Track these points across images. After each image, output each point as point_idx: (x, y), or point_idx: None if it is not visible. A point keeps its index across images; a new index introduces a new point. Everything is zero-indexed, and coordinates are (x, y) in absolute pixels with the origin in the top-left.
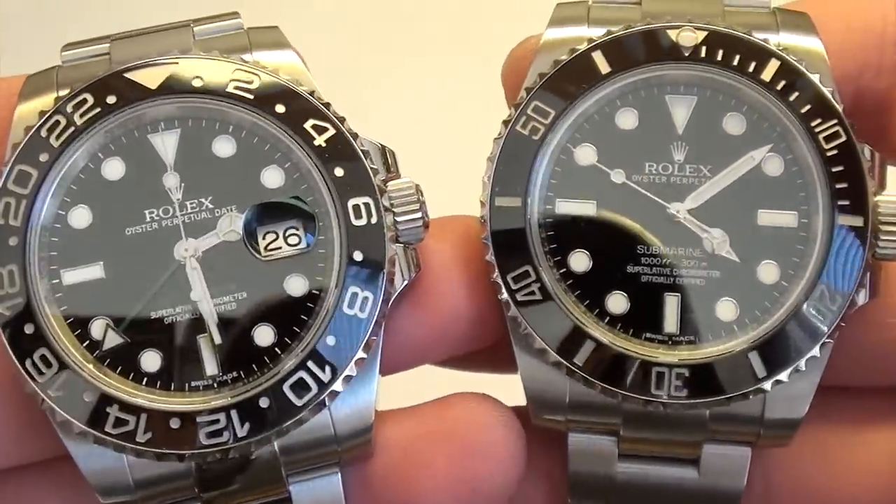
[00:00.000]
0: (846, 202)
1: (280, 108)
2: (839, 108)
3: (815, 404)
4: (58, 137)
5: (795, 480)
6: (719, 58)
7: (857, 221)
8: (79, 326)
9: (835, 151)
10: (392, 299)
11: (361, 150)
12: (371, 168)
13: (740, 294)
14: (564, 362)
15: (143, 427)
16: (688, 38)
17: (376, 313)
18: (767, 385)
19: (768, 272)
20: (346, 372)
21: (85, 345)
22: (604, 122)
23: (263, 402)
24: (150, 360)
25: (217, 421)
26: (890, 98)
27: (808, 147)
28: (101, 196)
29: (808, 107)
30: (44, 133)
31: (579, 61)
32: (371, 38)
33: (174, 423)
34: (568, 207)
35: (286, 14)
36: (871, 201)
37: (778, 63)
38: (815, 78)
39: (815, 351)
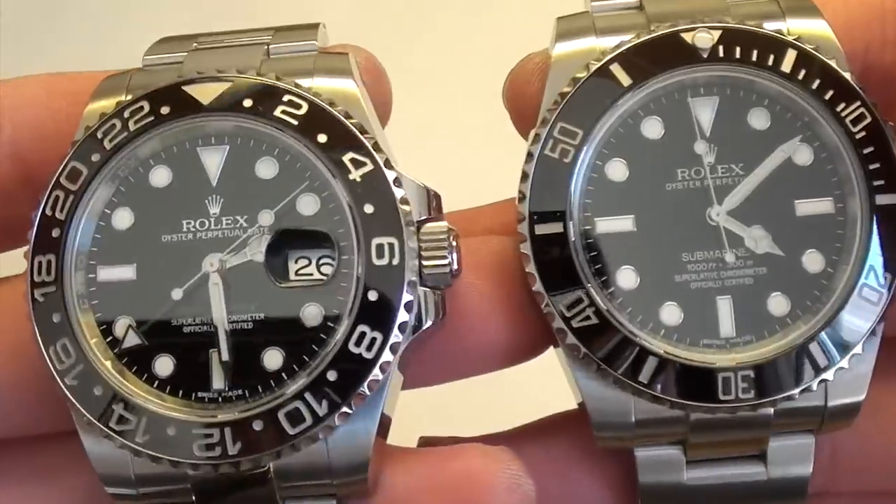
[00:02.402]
0: (881, 181)
1: (322, 138)
2: (859, 89)
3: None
4: (111, 140)
5: (857, 441)
6: (737, 55)
7: (895, 199)
8: (104, 322)
9: (863, 133)
10: (406, 344)
11: (398, 190)
12: (403, 209)
13: (789, 287)
14: (630, 382)
15: (143, 429)
16: (704, 39)
17: (382, 355)
18: (830, 374)
19: (813, 261)
20: (344, 409)
21: (108, 341)
22: (630, 134)
23: (257, 425)
24: (164, 365)
25: (211, 435)
26: None
27: (836, 132)
28: (145, 201)
29: (830, 92)
30: (99, 135)
31: (599, 76)
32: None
33: (171, 430)
34: (607, 225)
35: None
36: None
37: (795, 53)
38: (833, 63)
39: (871, 331)
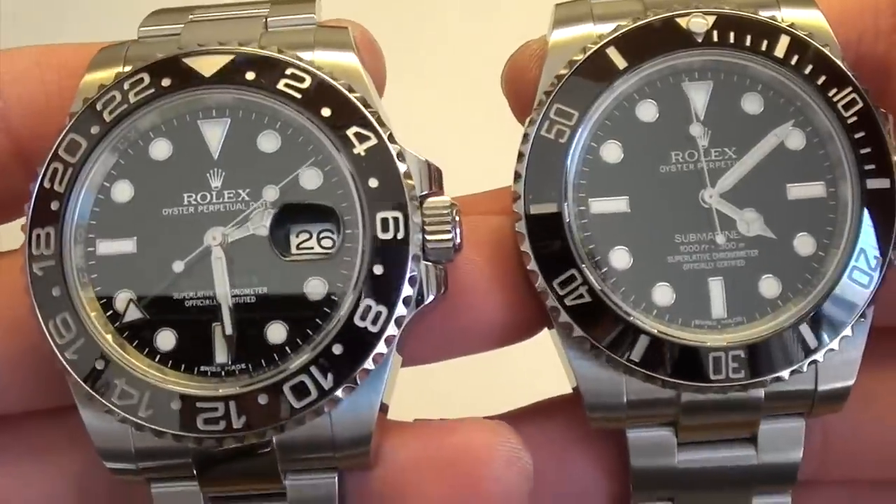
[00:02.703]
0: (872, 166)
1: (326, 112)
2: (852, 75)
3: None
4: (111, 113)
5: (848, 427)
6: (731, 40)
7: (885, 183)
8: (105, 296)
9: (855, 118)
10: (410, 318)
11: (401, 165)
12: (407, 183)
13: (781, 270)
14: (622, 361)
15: (146, 403)
16: (698, 23)
17: (388, 329)
18: (820, 356)
19: (804, 244)
20: (348, 382)
21: (108, 315)
22: (625, 116)
23: (262, 399)
24: (166, 339)
25: (216, 409)
26: (888, 61)
27: (828, 117)
28: (145, 174)
29: (823, 77)
30: (99, 107)
31: (595, 59)
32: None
33: (175, 405)
34: (602, 206)
35: None
36: (894, 161)
37: (788, 38)
38: (826, 50)
39: (861, 314)
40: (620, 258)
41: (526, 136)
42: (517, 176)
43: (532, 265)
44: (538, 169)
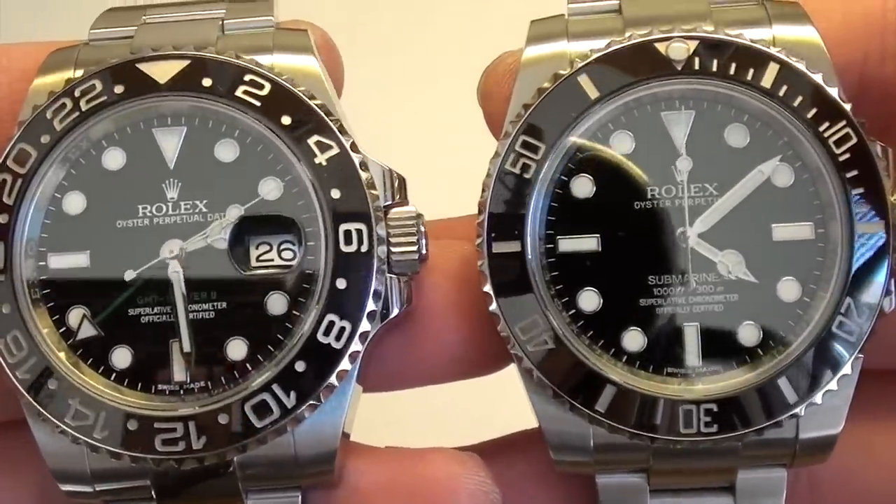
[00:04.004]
0: (864, 208)
1: (286, 120)
2: (846, 107)
3: (858, 395)
4: (61, 121)
5: (840, 475)
6: (714, 68)
7: (878, 227)
8: (58, 312)
9: (847, 155)
10: (374, 333)
11: (365, 174)
12: (371, 194)
13: (762, 316)
14: (586, 410)
15: (102, 424)
16: (678, 49)
17: (352, 345)
18: (801, 410)
19: (789, 290)
20: (312, 400)
21: (61, 332)
22: (597, 149)
23: (222, 419)
24: (121, 357)
25: (174, 429)
26: None
27: (818, 153)
28: (98, 185)
29: (814, 110)
30: (49, 115)
31: (565, 88)
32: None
33: (132, 425)
34: (570, 245)
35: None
36: (890, 203)
37: (777, 67)
38: (819, 78)
39: (847, 368)
40: (589, 300)
41: (490, 170)
42: (480, 212)
43: (494, 307)
44: (502, 205)
